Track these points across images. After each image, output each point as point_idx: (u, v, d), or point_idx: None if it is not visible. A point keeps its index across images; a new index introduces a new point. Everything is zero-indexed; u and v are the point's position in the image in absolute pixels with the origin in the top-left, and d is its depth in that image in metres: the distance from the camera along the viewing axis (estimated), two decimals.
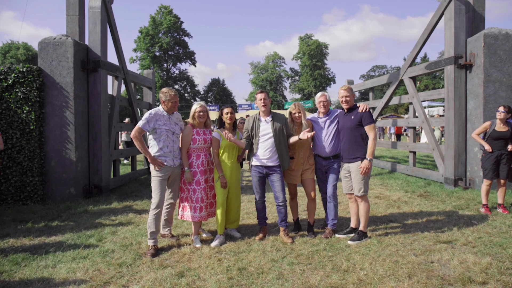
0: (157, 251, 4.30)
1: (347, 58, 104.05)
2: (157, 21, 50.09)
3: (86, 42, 7.58)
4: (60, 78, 6.94)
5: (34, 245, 4.60)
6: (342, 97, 4.65)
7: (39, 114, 6.82)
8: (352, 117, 4.58)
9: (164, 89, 4.56)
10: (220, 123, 4.90)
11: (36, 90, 6.76)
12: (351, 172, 4.59)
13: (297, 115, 4.76)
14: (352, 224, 4.85)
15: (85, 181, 7.32)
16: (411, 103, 9.63)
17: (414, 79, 9.42)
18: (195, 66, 55.00)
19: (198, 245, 4.50)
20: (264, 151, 4.62)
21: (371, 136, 4.45)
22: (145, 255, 4.22)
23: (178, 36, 51.81)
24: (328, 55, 57.94)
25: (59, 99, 6.93)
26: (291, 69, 61.05)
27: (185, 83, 53.64)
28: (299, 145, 4.77)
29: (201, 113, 4.70)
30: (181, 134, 4.72)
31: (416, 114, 9.37)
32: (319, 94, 4.90)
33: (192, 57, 53.50)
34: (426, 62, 8.70)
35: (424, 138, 21.89)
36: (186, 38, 52.77)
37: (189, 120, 4.79)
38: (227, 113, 4.79)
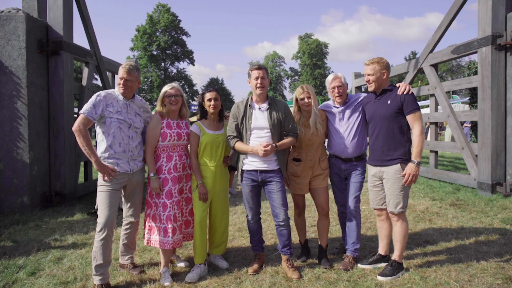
0: None
1: (346, 59, 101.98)
2: (155, 19, 48.84)
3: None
4: (9, 61, 5.62)
5: None
6: (369, 75, 3.33)
7: None
8: (389, 101, 3.21)
9: (124, 63, 3.28)
10: (202, 112, 3.61)
11: None
12: (384, 180, 3.26)
13: (306, 100, 3.45)
14: (381, 250, 3.52)
15: (44, 187, 6.00)
16: (432, 95, 8.34)
17: (436, 66, 8.10)
18: (193, 65, 53.73)
19: (167, 283, 3.18)
20: None
21: (416, 129, 3.10)
22: None
23: (176, 35, 50.57)
24: (328, 55, 56.68)
25: (8, 87, 5.61)
26: (290, 68, 59.87)
27: (183, 82, 52.31)
28: (307, 143, 3.47)
29: (173, 97, 3.40)
30: (146, 128, 3.45)
31: (439, 108, 8.06)
32: (330, 77, 3.57)
33: (190, 56, 52.23)
34: (453, 46, 7.39)
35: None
36: (184, 37, 51.54)
37: (157, 107, 3.51)
38: (209, 100, 3.49)
